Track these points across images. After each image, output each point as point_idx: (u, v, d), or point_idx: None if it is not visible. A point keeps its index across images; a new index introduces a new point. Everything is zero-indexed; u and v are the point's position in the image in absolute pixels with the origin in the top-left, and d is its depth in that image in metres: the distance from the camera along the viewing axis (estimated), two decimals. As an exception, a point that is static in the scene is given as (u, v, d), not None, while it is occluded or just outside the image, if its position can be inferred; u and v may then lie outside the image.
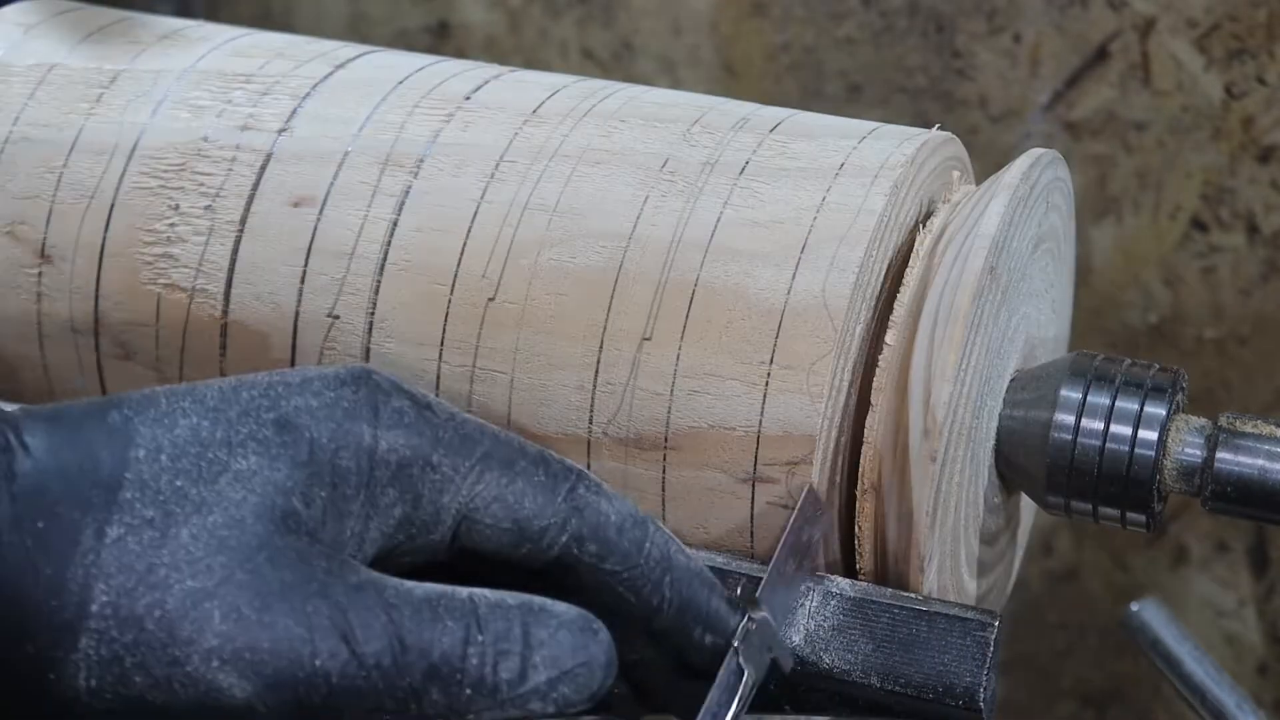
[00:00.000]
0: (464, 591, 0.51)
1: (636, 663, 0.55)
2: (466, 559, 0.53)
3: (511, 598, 0.52)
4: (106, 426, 0.50)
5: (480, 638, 0.50)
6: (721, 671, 0.54)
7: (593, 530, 0.53)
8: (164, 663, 0.48)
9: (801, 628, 0.57)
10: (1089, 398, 0.62)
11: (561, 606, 0.52)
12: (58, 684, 0.48)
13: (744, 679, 0.54)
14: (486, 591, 0.52)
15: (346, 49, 0.69)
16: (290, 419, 0.51)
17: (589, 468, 0.60)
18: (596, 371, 0.60)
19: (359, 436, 0.51)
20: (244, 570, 0.49)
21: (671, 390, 0.59)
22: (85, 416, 0.50)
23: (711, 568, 0.58)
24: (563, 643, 0.52)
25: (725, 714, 0.53)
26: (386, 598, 0.50)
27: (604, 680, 0.53)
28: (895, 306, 0.60)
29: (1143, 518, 0.63)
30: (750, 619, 0.55)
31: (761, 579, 0.56)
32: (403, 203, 0.62)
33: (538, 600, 0.52)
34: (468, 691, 0.50)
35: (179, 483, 0.49)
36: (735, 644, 0.55)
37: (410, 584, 0.51)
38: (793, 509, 0.58)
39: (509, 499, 0.53)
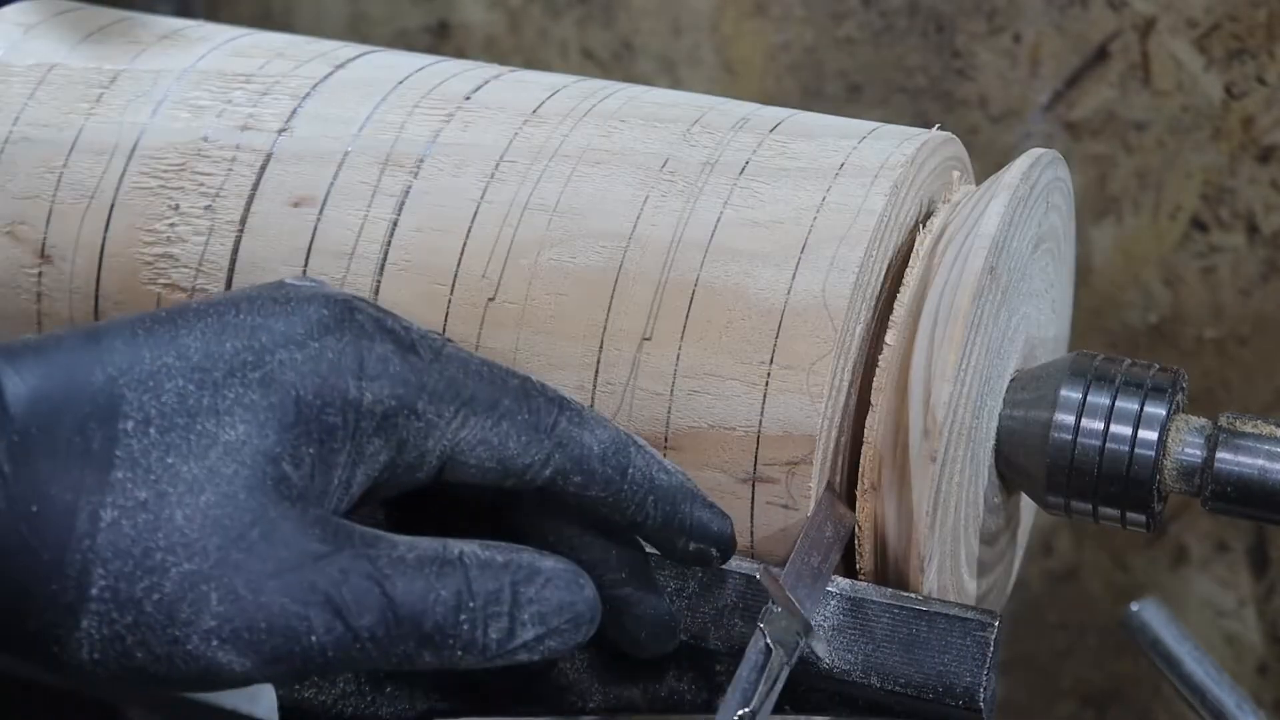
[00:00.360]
0: (454, 550, 0.52)
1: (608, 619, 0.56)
2: (451, 486, 0.54)
3: (500, 554, 0.53)
4: (92, 390, 0.49)
5: (471, 604, 0.52)
6: (749, 650, 0.55)
7: (575, 463, 0.54)
8: (164, 642, 0.49)
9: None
10: (1089, 398, 0.62)
11: (548, 562, 0.54)
12: (61, 653, 0.49)
13: (772, 659, 0.55)
14: (476, 548, 0.52)
15: (346, 49, 0.69)
16: (275, 376, 0.50)
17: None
18: (596, 371, 0.60)
19: (344, 390, 0.51)
20: (239, 550, 0.49)
21: (671, 390, 0.59)
22: (70, 377, 0.49)
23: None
24: (549, 600, 0.53)
25: (753, 692, 0.54)
26: (380, 568, 0.50)
27: (587, 632, 0.54)
28: (895, 306, 0.60)
29: (1143, 518, 0.63)
30: (773, 602, 0.56)
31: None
32: (403, 203, 0.62)
33: (526, 557, 0.53)
34: (459, 652, 0.52)
35: (169, 459, 0.49)
36: (760, 625, 0.55)
37: (403, 545, 0.51)
38: (793, 507, 0.58)
39: (493, 441, 0.53)
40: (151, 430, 0.49)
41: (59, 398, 0.49)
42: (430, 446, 0.53)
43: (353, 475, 0.52)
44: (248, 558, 0.49)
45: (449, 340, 0.55)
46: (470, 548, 0.52)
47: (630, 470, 0.55)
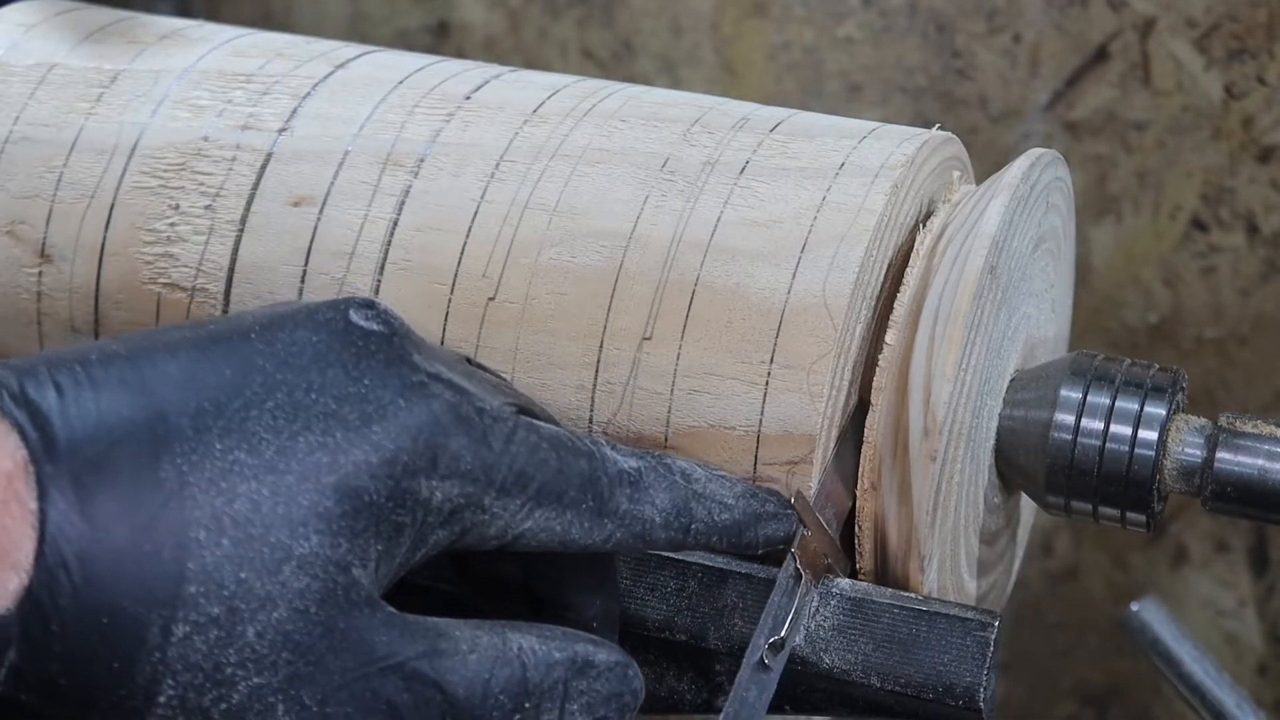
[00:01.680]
0: (513, 646, 0.52)
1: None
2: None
3: (558, 648, 0.53)
4: (161, 488, 0.48)
5: (527, 704, 0.52)
6: (780, 576, 0.56)
7: (638, 537, 0.54)
8: None
9: (801, 628, 0.57)
10: (1089, 398, 0.62)
11: (602, 654, 0.54)
12: None
13: (803, 583, 0.56)
14: (535, 643, 0.53)
15: (346, 49, 0.69)
16: (350, 482, 0.49)
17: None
18: (596, 371, 0.60)
19: (416, 492, 0.50)
20: (307, 663, 0.49)
21: (671, 390, 0.59)
22: (137, 467, 0.48)
23: (712, 568, 0.59)
24: (600, 692, 0.53)
25: (785, 618, 0.56)
26: (442, 673, 0.50)
27: (631, 716, 0.55)
28: (895, 306, 0.60)
29: (1143, 518, 0.63)
30: (804, 525, 0.57)
31: (813, 488, 0.58)
32: (403, 202, 0.62)
33: (581, 649, 0.53)
34: None
35: (243, 574, 0.48)
36: (792, 550, 0.56)
37: (465, 642, 0.51)
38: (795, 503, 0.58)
39: (556, 529, 0.53)
40: (225, 541, 0.48)
41: (127, 492, 0.47)
42: (492, 534, 0.52)
43: (412, 557, 0.51)
44: (315, 670, 0.49)
45: (519, 413, 0.54)
46: (529, 642, 0.52)
47: (693, 526, 0.55)
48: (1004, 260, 0.61)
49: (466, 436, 0.51)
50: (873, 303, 0.60)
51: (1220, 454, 0.62)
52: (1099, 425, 0.62)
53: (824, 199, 0.60)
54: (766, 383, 0.58)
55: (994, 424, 0.63)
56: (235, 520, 0.48)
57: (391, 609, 0.50)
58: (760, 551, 0.57)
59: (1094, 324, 0.98)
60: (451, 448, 0.51)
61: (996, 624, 0.57)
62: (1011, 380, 0.64)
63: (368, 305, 0.53)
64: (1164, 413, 0.62)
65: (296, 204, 0.63)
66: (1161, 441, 0.62)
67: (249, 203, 0.64)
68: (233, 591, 0.48)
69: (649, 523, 0.54)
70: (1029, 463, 0.63)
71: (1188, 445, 0.62)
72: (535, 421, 0.54)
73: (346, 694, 0.49)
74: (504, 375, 0.60)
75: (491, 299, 0.61)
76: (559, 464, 0.53)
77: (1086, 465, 0.62)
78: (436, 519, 0.51)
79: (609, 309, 0.60)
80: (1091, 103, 0.96)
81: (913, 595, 0.58)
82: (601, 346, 0.60)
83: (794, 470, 0.58)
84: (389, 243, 0.62)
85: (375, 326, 0.52)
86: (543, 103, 0.65)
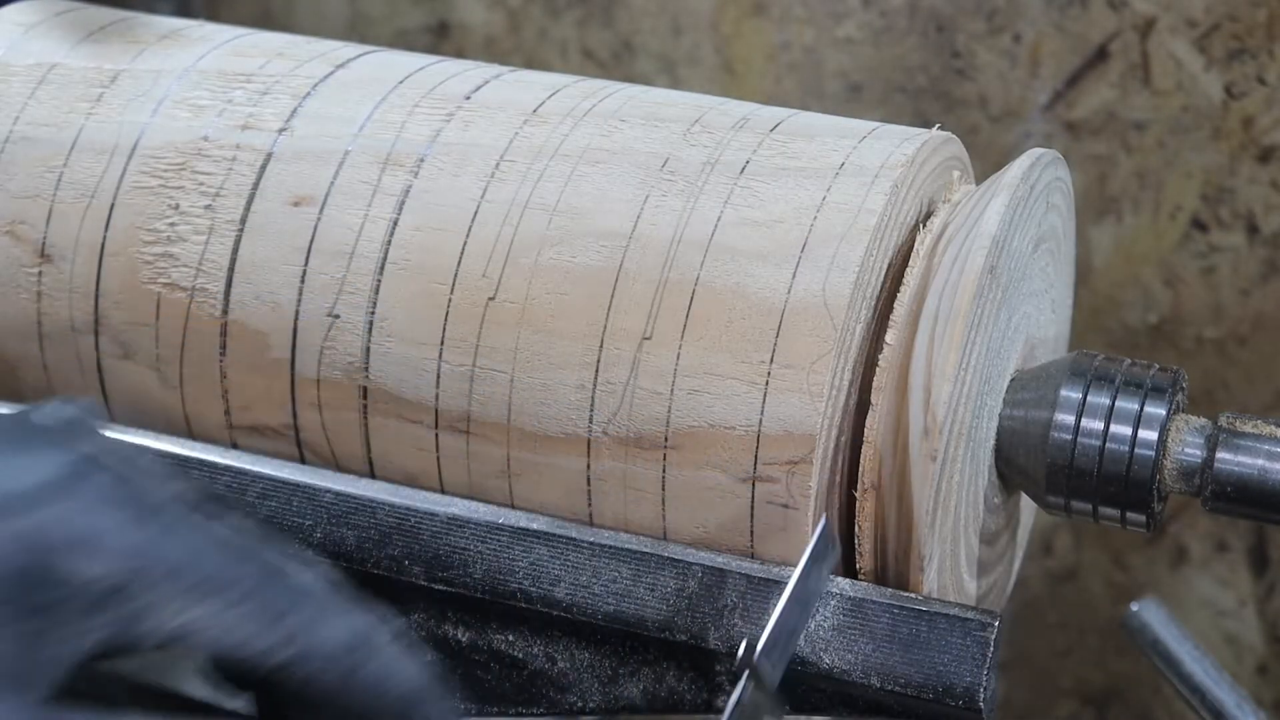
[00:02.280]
0: None
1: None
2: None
3: None
4: None
5: None
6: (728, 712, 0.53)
7: (304, 657, 0.51)
8: None
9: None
10: (1089, 398, 0.62)
11: None
12: None
13: None
14: None
15: (346, 49, 0.69)
16: None
17: (589, 467, 0.60)
18: (596, 371, 0.60)
19: (56, 569, 0.48)
20: None
21: (671, 389, 0.59)
22: None
23: (711, 567, 0.58)
24: None
25: None
26: None
27: None
28: (895, 306, 0.60)
29: (1143, 518, 0.63)
30: (751, 673, 0.54)
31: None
32: (403, 202, 0.62)
33: None
34: None
35: None
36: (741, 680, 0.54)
37: None
38: (793, 506, 0.58)
39: (216, 630, 0.50)
40: None
41: None
42: (149, 629, 0.49)
43: (61, 651, 0.48)
44: None
45: (207, 501, 0.51)
46: None
47: (361, 673, 0.51)
48: (1004, 260, 0.61)
49: (130, 511, 0.49)
50: (873, 302, 0.60)
51: (1220, 454, 0.62)
52: (1099, 425, 0.62)
53: (824, 199, 0.60)
54: (766, 382, 0.58)
55: (994, 424, 0.63)
56: None
57: (33, 698, 0.47)
58: None
59: (1094, 324, 0.99)
60: (107, 522, 0.49)
61: (996, 624, 0.57)
62: (1011, 380, 0.64)
63: (59, 406, 0.51)
64: (1164, 413, 0.62)
65: (296, 204, 0.63)
66: (1161, 441, 0.62)
67: (249, 202, 0.64)
68: None
69: (319, 644, 0.51)
70: (1029, 463, 0.63)
71: (1188, 445, 0.62)
72: (211, 522, 0.51)
73: None
74: (503, 372, 0.60)
75: (491, 299, 0.61)
76: (239, 553, 0.51)
77: (1086, 465, 0.62)
78: (82, 602, 0.48)
79: (609, 309, 0.60)
80: (1091, 103, 0.96)
81: (912, 595, 0.58)
82: (601, 346, 0.60)
83: (794, 470, 0.58)
84: (389, 242, 0.62)
85: (50, 422, 0.51)
86: (543, 103, 0.65)
